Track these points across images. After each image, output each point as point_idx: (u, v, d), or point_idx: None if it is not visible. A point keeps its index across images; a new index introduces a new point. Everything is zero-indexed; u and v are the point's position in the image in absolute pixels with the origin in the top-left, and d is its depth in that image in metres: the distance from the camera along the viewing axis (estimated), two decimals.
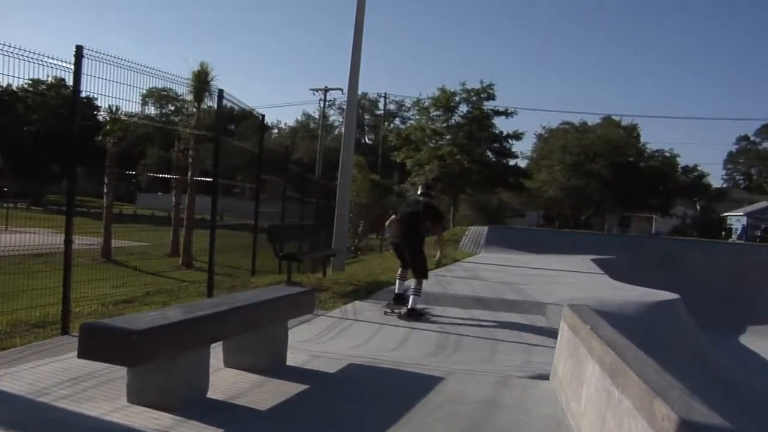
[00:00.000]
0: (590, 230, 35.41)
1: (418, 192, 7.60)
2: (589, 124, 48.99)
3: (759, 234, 43.79)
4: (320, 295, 7.73)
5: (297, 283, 8.55)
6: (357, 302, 7.74)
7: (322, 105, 45.49)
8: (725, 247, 21.31)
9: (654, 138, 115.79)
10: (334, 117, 71.02)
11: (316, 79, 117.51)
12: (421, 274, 7.10)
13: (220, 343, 3.97)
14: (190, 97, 18.80)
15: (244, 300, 4.01)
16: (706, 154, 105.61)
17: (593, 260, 15.71)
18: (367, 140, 71.66)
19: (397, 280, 7.49)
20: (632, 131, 47.24)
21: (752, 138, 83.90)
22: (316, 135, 56.92)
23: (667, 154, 47.90)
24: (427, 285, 7.59)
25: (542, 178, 42.80)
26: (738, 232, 47.66)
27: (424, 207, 7.18)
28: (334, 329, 6.13)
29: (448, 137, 31.57)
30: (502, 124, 78.12)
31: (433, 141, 31.78)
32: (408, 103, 52.21)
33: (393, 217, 7.48)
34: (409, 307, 6.81)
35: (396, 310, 6.99)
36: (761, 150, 79.79)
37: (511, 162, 34.13)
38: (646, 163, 46.01)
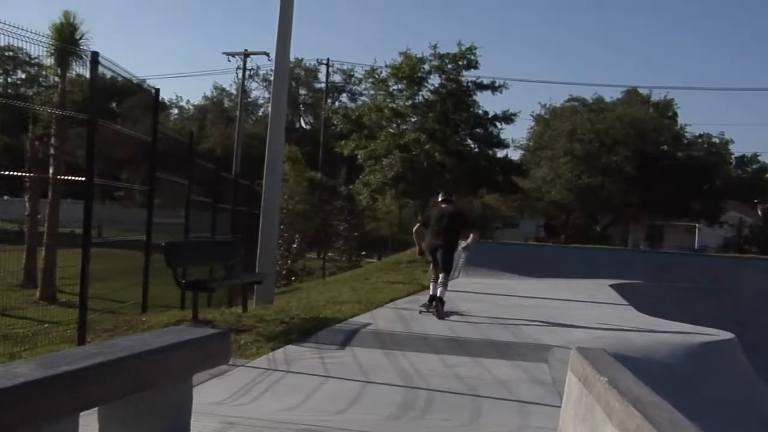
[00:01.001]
0: (609, 245, 36.13)
1: (440, 199, 11.61)
2: (607, 100, 50.10)
3: None
4: (239, 338, 7.74)
5: (207, 322, 8.49)
6: (290, 347, 7.74)
7: (240, 76, 45.34)
8: None
9: (697, 118, 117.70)
10: (258, 92, 70.89)
11: (233, 41, 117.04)
12: (450, 269, 11.25)
13: (95, 410, 3.89)
14: (50, 62, 18.48)
15: (130, 347, 3.94)
16: None
17: (613, 286, 16.07)
18: (303, 124, 71.76)
19: (432, 283, 10.99)
20: (666, 109, 48.41)
21: None
22: (233, 117, 56.68)
23: (716, 140, 49.28)
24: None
25: (542, 174, 43.57)
26: None
27: (456, 218, 11.19)
28: (258, 385, 6.11)
29: (413, 120, 31.85)
30: (487, 102, 79.56)
31: (394, 125, 32.02)
32: (359, 73, 52.48)
33: (418, 225, 11.62)
34: (439, 295, 10.58)
35: (431, 310, 10.58)
36: None
37: (500, 153, 34.70)
38: (686, 153, 47.21)
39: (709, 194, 46.31)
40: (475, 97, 32.10)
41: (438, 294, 10.65)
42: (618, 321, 10.60)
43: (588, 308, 12.40)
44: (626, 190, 43.52)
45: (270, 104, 13.19)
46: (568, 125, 44.60)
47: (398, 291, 13.77)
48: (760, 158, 56.17)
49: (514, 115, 32.70)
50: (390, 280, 16.44)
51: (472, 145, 33.22)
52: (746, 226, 49.94)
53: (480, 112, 32.45)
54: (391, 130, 31.82)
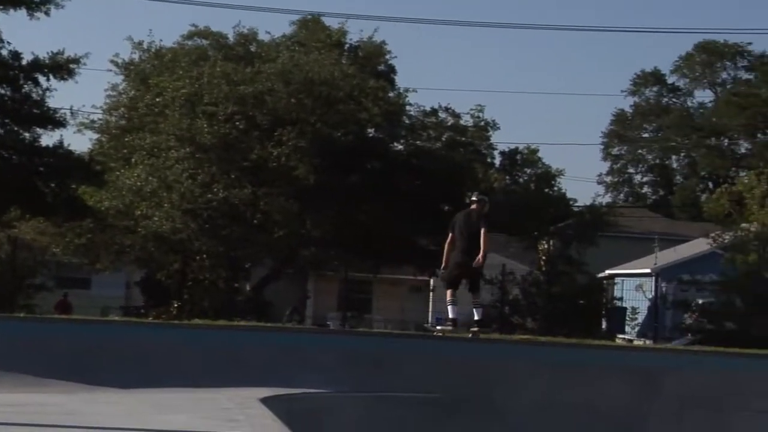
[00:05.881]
0: (267, 321, 36.59)
1: (474, 198, 22.47)
2: (263, 37, 51.61)
3: (691, 316, 49.46)
4: None
5: None
6: None
7: None
8: (613, 358, 22.92)
9: (431, 78, 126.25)
10: None
11: None
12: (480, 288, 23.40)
13: None
14: None
15: None
16: (564, 119, 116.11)
17: (270, 401, 16.00)
18: None
19: (452, 306, 21.81)
20: (373, 60, 50.93)
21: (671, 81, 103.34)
22: None
23: (467, 120, 53.08)
24: None
25: (135, 182, 43.25)
26: (642, 315, 53.87)
27: (484, 219, 21.62)
28: None
29: None
30: (18, 36, 78.73)
31: None
32: None
33: (450, 237, 21.93)
34: (479, 318, 22.33)
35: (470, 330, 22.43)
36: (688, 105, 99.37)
37: (49, 138, 35.63)
38: (411, 143, 49.86)
39: (449, 219, 48.70)
40: None
41: (478, 317, 21.95)
42: None
43: None
44: (301, 212, 44.65)
45: None
46: (185, 86, 44.93)
47: None
48: (540, 154, 59.67)
49: (77, 61, 33.31)
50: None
51: None
52: (515, 282, 52.81)
53: (4, 52, 32.04)
54: None
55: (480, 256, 21.08)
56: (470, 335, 22.10)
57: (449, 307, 21.83)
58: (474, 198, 22.53)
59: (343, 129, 45.28)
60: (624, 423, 19.89)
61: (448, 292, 22.02)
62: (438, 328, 23.67)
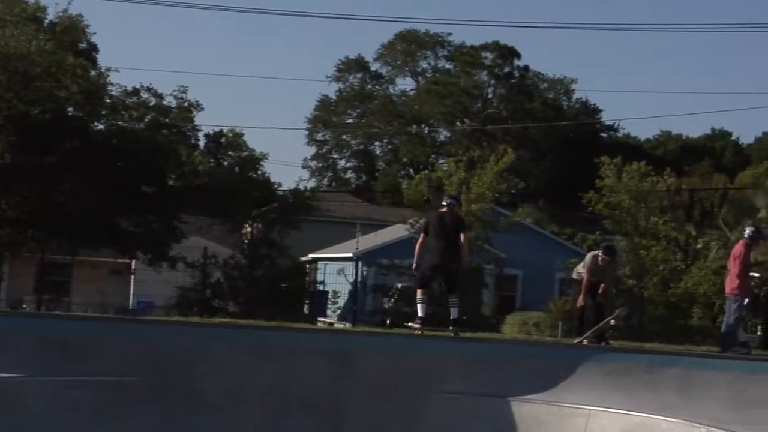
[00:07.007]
0: None
1: (445, 203, 23.52)
2: None
3: (390, 300, 51.68)
4: None
5: None
6: None
7: None
8: (313, 340, 23.10)
9: (136, 59, 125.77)
10: None
11: None
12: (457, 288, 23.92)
13: None
14: None
15: None
16: (270, 104, 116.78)
17: None
18: None
19: (422, 305, 23.10)
20: (70, 35, 49.98)
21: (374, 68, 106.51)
22: None
23: (169, 101, 52.19)
24: None
25: None
26: (343, 299, 55.28)
27: (460, 222, 23.54)
28: None
29: None
30: None
31: None
32: None
33: (422, 237, 23.27)
34: (456, 317, 23.22)
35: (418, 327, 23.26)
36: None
37: None
38: (109, 122, 49.30)
39: (157, 203, 48.14)
40: None
41: (455, 316, 22.73)
42: None
43: None
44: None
45: None
46: None
47: None
48: (245, 138, 59.35)
49: None
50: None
51: None
52: (217, 265, 52.33)
53: None
54: None
55: (465, 259, 23.31)
56: (452, 334, 23.12)
57: (419, 306, 23.11)
58: (444, 201, 23.76)
59: (40, 107, 44.07)
60: (321, 405, 19.60)
61: (419, 291, 23.48)
62: (409, 324, 24.55)
